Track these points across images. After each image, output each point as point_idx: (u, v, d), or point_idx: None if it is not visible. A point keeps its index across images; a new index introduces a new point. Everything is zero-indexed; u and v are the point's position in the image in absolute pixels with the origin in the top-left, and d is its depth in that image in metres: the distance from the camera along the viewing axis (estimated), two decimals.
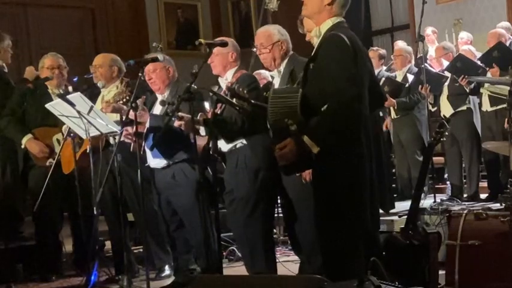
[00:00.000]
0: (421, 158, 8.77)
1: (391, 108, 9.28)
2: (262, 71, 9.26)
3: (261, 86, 6.70)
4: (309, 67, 4.49)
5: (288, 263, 7.02)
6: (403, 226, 5.57)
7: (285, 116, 4.44)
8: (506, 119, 7.25)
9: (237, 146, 5.97)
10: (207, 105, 6.54)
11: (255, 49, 6.14)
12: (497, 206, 6.31)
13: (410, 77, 9.13)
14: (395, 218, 7.46)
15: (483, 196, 8.51)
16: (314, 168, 4.59)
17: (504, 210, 5.43)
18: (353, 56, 4.29)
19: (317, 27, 4.59)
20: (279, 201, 6.30)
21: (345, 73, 4.25)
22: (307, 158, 4.38)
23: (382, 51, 10.16)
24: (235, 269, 6.96)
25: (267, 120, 4.68)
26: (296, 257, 7.25)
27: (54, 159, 6.87)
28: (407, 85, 9.04)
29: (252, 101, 5.17)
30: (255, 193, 5.91)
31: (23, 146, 7.23)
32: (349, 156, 4.33)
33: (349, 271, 4.29)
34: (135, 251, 7.72)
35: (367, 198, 4.41)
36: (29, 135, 7.17)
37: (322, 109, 4.26)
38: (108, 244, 7.78)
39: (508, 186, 5.56)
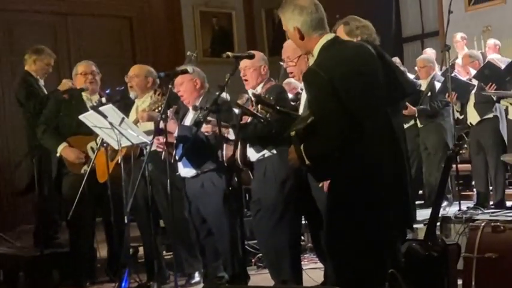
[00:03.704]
0: None
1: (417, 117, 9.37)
2: (293, 81, 9.33)
3: (292, 95, 6.83)
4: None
5: (315, 270, 7.04)
6: None
7: (296, 124, 4.46)
8: None
9: (266, 156, 6.06)
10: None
11: (281, 62, 6.23)
12: None
13: (437, 85, 9.18)
14: (420, 226, 7.42)
15: (510, 204, 8.49)
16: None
17: None
18: (328, 85, 4.12)
19: (311, 57, 4.48)
20: None
21: (323, 113, 4.18)
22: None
23: (397, 62, 10.24)
24: (264, 275, 6.96)
25: None
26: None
27: (88, 167, 6.97)
28: (429, 94, 9.12)
29: (278, 107, 5.19)
30: (282, 202, 6.00)
31: (58, 154, 7.37)
32: (342, 174, 4.27)
33: (367, 283, 4.27)
34: (167, 257, 7.79)
35: (372, 212, 4.29)
36: (64, 144, 7.32)
37: None
38: (141, 250, 7.86)
39: None
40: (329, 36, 4.37)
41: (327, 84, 4.14)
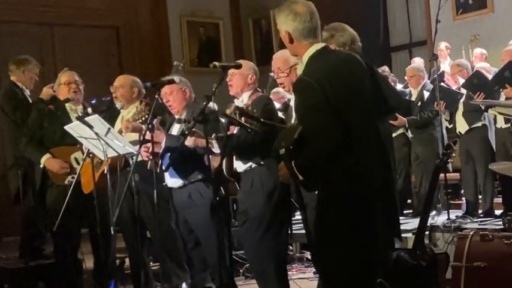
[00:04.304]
0: None
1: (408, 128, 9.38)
2: (281, 90, 9.36)
3: (280, 105, 6.80)
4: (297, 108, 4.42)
5: (303, 280, 7.09)
6: None
7: (282, 140, 4.45)
8: None
9: (253, 166, 6.01)
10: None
11: (272, 73, 6.20)
12: None
13: (426, 94, 9.19)
14: (409, 235, 7.47)
15: (498, 212, 8.46)
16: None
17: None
18: (321, 95, 4.13)
19: (301, 65, 4.49)
20: (298, 217, 6.31)
21: (316, 122, 4.16)
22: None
23: (386, 71, 10.26)
24: (252, 286, 6.93)
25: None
26: (311, 274, 7.37)
27: (73, 178, 6.92)
28: (419, 103, 9.12)
29: (262, 120, 5.19)
30: (270, 213, 5.94)
31: (41, 165, 7.29)
32: (333, 180, 4.26)
33: None
34: (153, 268, 7.75)
35: (364, 222, 4.25)
36: (48, 155, 7.23)
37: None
38: (128, 261, 7.77)
39: None
40: (319, 45, 4.37)
41: (320, 94, 4.15)
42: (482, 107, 8.44)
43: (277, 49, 10.64)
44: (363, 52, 5.42)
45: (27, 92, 8.45)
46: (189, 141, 6.17)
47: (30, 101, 8.34)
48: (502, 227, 6.29)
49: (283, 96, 9.30)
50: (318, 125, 4.15)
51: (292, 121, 5.58)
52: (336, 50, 4.88)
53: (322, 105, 4.14)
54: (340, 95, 4.21)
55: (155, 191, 6.03)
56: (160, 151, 6.41)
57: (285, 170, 4.33)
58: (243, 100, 6.17)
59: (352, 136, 4.19)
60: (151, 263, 7.74)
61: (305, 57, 4.36)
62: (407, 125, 9.25)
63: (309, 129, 4.19)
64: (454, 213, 8.49)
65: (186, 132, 5.86)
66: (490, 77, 8.64)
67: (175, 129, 6.70)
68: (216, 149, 6.01)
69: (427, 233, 6.86)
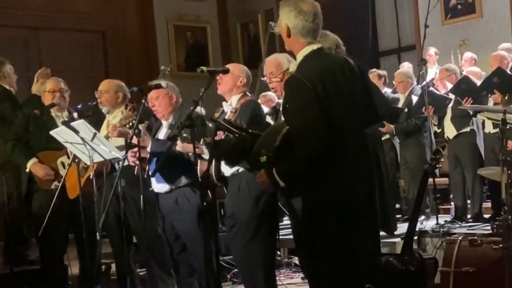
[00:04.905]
0: None
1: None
2: (270, 93, 9.35)
3: (269, 108, 6.77)
4: (285, 107, 4.40)
5: (291, 285, 7.06)
6: None
7: (262, 147, 4.45)
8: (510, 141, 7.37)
9: (240, 171, 5.97)
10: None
11: (264, 78, 6.16)
12: None
13: (415, 98, 9.16)
14: (397, 240, 7.47)
15: (487, 217, 8.45)
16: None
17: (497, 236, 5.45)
18: (313, 94, 4.14)
19: (294, 63, 4.53)
20: (286, 222, 6.27)
21: (305, 121, 4.14)
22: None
23: (382, 72, 10.24)
24: None
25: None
26: (299, 280, 7.34)
27: (59, 183, 6.89)
28: (406, 110, 9.10)
29: (250, 131, 5.19)
30: (257, 218, 5.90)
31: (27, 170, 7.24)
32: (320, 193, 4.25)
33: None
34: (140, 274, 7.70)
35: (350, 227, 4.25)
36: (34, 159, 7.18)
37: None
38: (114, 267, 7.78)
39: (501, 213, 5.55)
40: (314, 46, 4.39)
41: (311, 93, 4.15)
42: (471, 112, 8.43)
43: (265, 53, 10.61)
44: (351, 56, 5.41)
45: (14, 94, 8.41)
46: (179, 147, 6.13)
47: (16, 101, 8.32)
48: (491, 231, 6.28)
49: (271, 99, 9.28)
50: (307, 123, 4.15)
51: None
52: (331, 53, 4.88)
53: (313, 104, 4.14)
54: (331, 96, 4.22)
55: (141, 196, 5.99)
56: (147, 156, 6.38)
57: (264, 177, 4.34)
58: (231, 103, 6.12)
59: (341, 137, 4.19)
60: (137, 269, 7.67)
61: (299, 56, 4.38)
62: (394, 132, 9.22)
63: (297, 128, 4.19)
64: (442, 218, 8.47)
65: (176, 134, 5.82)
66: (478, 82, 8.63)
67: (163, 132, 6.66)
68: (206, 155, 5.97)
69: (415, 238, 6.85)
